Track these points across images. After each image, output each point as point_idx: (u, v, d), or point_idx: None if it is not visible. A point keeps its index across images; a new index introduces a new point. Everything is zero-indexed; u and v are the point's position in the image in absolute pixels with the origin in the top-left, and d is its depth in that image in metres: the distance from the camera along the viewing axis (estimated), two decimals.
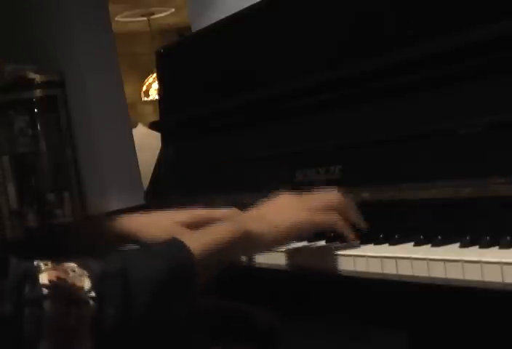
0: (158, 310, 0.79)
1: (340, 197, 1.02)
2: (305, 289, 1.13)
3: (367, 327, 1.24)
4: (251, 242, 0.94)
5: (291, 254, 1.07)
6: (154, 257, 0.83)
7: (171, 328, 0.81)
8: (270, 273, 1.11)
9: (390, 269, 0.91)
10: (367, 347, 1.40)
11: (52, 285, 0.73)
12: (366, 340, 1.35)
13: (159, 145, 1.87)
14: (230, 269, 0.92)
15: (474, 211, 0.95)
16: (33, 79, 3.65)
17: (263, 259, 1.09)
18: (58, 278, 0.74)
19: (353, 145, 1.20)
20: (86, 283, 0.75)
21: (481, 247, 0.87)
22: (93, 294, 0.74)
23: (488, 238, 0.87)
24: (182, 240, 0.86)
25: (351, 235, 1.00)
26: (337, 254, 0.99)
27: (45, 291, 0.72)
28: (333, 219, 0.99)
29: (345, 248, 1.01)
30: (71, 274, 0.75)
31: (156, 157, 1.85)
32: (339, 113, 1.27)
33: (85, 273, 0.76)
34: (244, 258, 1.09)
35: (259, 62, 1.54)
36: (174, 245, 0.85)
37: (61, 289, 0.73)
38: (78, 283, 0.75)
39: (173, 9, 5.62)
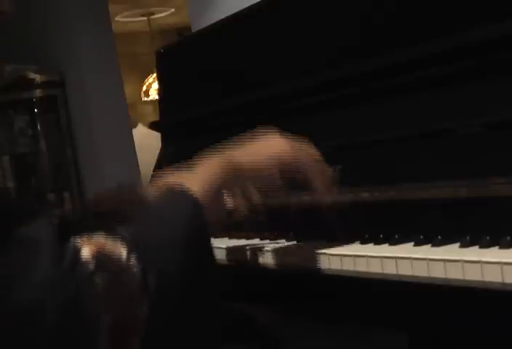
0: (188, 271, 0.78)
1: (323, 164, 1.04)
2: (305, 288, 1.13)
3: (367, 327, 1.25)
4: (237, 174, 0.96)
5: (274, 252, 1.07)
6: (174, 215, 0.82)
7: (201, 292, 0.79)
8: (271, 273, 1.11)
9: (390, 269, 0.91)
10: (367, 347, 1.40)
11: (96, 259, 0.72)
12: (366, 340, 1.35)
13: (159, 145, 1.86)
14: (231, 269, 0.92)
15: (474, 211, 0.94)
16: (33, 79, 3.66)
17: (263, 259, 1.09)
18: (98, 251, 0.73)
19: (353, 145, 1.20)
20: (123, 252, 0.74)
21: (481, 247, 0.86)
22: (133, 260, 0.73)
23: (488, 238, 0.87)
24: (187, 186, 0.86)
25: (320, 187, 1.01)
26: (319, 253, 0.99)
27: (91, 266, 0.71)
28: (312, 164, 1.02)
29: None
30: (106, 245, 0.74)
31: (155, 157, 1.85)
32: (339, 113, 1.27)
33: (118, 241, 0.75)
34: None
35: (259, 62, 1.54)
36: (186, 197, 0.85)
37: (104, 261, 0.72)
38: (117, 253, 0.73)
39: (173, 9, 5.63)
